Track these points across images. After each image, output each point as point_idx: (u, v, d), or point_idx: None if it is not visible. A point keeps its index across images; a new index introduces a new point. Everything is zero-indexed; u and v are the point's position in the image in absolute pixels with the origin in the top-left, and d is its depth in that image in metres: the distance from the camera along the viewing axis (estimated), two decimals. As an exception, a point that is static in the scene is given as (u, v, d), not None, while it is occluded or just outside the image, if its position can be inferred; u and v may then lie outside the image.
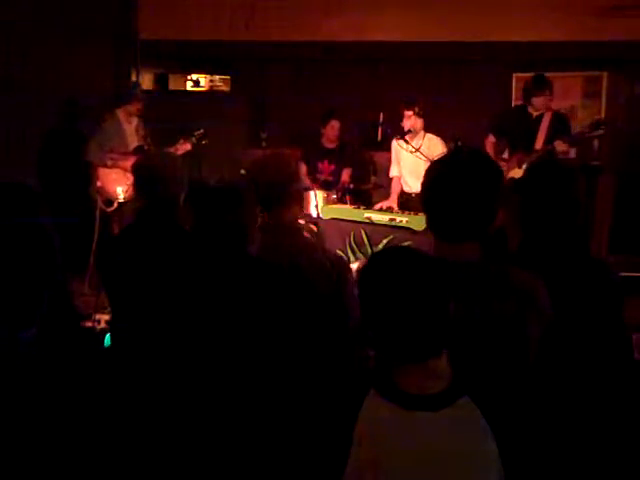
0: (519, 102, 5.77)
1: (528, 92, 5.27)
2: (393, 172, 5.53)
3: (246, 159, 6.15)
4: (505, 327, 1.71)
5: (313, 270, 2.43)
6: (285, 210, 2.53)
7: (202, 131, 5.49)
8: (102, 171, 5.28)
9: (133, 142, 5.45)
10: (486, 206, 1.76)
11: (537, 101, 5.19)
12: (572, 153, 5.06)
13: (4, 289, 1.21)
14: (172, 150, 5.33)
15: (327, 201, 5.39)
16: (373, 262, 1.55)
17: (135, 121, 5.51)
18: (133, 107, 5.42)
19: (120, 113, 5.44)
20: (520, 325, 1.72)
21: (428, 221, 1.84)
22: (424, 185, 1.84)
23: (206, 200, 2.32)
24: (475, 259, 1.77)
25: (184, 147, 5.39)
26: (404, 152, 5.24)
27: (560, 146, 4.99)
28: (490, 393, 1.50)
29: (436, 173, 1.82)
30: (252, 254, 2.34)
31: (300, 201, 2.70)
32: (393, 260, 1.51)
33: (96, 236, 5.26)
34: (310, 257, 2.48)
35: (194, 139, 5.45)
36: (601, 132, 5.09)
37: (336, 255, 2.74)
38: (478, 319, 1.68)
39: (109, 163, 5.24)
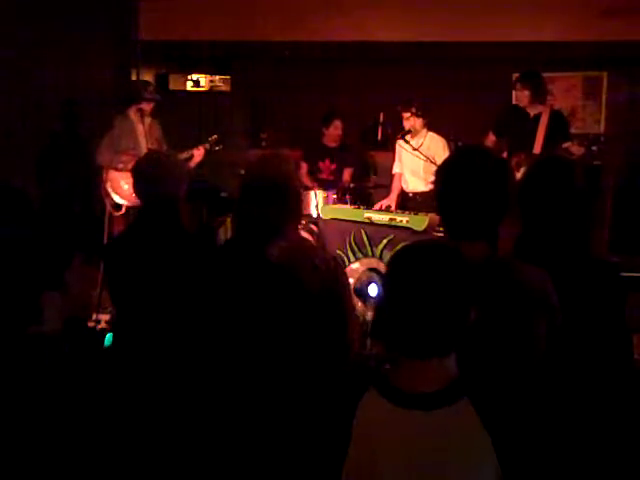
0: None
1: (513, 85, 5.28)
2: (395, 169, 5.63)
3: (246, 159, 6.16)
4: (514, 325, 1.72)
5: (306, 270, 2.41)
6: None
7: (215, 136, 5.45)
8: (112, 174, 5.14)
9: (146, 143, 5.26)
10: (497, 203, 1.79)
11: (516, 95, 5.17)
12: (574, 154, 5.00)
13: (11, 287, 1.21)
14: (186, 155, 5.27)
15: (327, 201, 5.39)
16: (406, 252, 1.53)
17: (148, 121, 5.33)
18: (145, 107, 5.26)
19: (132, 113, 5.27)
20: (529, 322, 1.73)
21: (441, 220, 1.85)
22: (436, 184, 1.86)
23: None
24: (483, 256, 1.78)
25: (199, 153, 5.33)
26: (405, 151, 5.28)
27: (573, 147, 4.86)
28: (498, 392, 1.49)
29: (447, 172, 1.84)
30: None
31: (296, 200, 2.69)
32: (427, 253, 1.50)
33: (105, 239, 5.19)
34: (304, 258, 2.46)
35: (208, 145, 5.40)
36: (599, 145, 5.01)
37: (332, 256, 2.72)
38: (487, 317, 1.68)
39: (120, 166, 5.08)
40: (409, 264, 1.49)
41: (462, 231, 1.80)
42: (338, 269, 2.51)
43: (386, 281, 1.54)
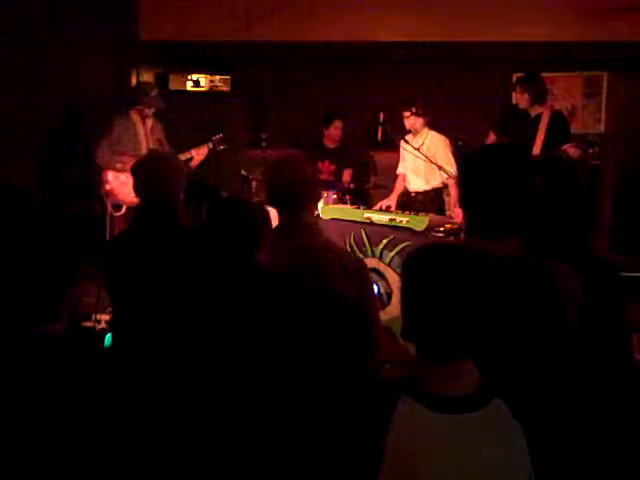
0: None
1: (513, 87, 5.31)
2: (399, 169, 5.68)
3: (246, 159, 6.17)
4: (546, 321, 1.72)
5: (332, 269, 2.41)
6: (303, 211, 2.52)
7: (220, 136, 5.42)
8: (112, 174, 5.15)
9: (147, 144, 5.25)
10: (524, 199, 1.78)
11: (515, 97, 5.19)
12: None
13: (25, 286, 1.20)
14: (188, 155, 5.26)
15: (327, 201, 5.39)
16: (422, 256, 1.52)
17: (150, 122, 5.31)
18: (146, 110, 5.25)
19: (133, 114, 5.27)
20: (561, 319, 1.73)
21: (467, 219, 1.84)
22: (462, 184, 1.85)
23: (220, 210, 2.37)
24: (517, 253, 1.78)
25: (201, 152, 5.31)
26: (406, 151, 5.29)
27: (570, 149, 4.86)
28: (527, 390, 1.49)
29: (473, 171, 1.83)
30: (261, 259, 2.36)
31: (317, 201, 2.71)
32: (443, 256, 1.48)
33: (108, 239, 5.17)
34: (329, 257, 2.46)
35: (211, 144, 5.38)
36: (595, 148, 4.99)
37: (355, 256, 2.73)
38: (519, 313, 1.68)
39: (119, 166, 5.08)
40: (438, 270, 1.46)
41: (492, 229, 1.78)
42: (364, 268, 2.53)
43: (412, 287, 1.50)
